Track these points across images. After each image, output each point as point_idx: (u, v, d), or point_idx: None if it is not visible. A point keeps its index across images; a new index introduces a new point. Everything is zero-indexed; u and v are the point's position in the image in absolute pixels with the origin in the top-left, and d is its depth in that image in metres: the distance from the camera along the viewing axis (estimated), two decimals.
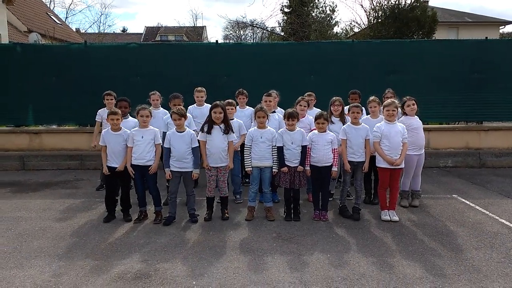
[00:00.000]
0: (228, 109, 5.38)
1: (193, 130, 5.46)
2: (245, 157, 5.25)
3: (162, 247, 4.38)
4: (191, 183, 5.21)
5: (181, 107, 5.24)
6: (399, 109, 5.42)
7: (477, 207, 5.71)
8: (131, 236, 4.71)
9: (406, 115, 5.55)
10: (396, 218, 5.15)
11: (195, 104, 6.40)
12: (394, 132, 5.09)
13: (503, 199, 6.11)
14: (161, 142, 5.17)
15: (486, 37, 8.91)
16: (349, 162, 5.23)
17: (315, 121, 5.19)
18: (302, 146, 5.09)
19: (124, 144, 5.11)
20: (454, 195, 6.32)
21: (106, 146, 5.13)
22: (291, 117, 5.06)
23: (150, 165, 5.09)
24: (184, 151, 5.00)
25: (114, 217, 5.24)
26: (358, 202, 5.35)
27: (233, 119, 5.65)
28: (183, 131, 5.04)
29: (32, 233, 4.83)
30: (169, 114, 5.72)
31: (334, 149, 5.13)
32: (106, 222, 5.13)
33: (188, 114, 5.91)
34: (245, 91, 6.35)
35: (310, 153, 5.12)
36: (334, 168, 5.16)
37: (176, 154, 5.00)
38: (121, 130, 5.14)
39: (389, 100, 5.25)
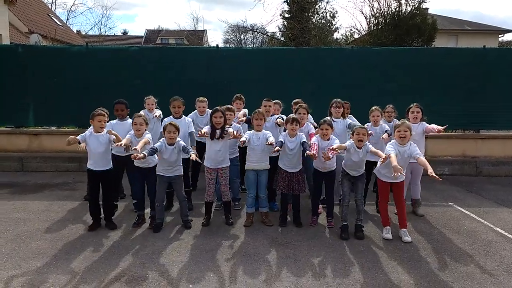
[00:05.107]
0: (227, 114, 5.42)
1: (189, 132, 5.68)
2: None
3: (160, 251, 4.42)
4: (181, 188, 5.17)
5: (175, 123, 5.12)
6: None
7: (473, 215, 5.76)
8: (128, 239, 4.74)
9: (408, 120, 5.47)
10: (408, 238, 4.74)
11: (196, 111, 6.29)
12: (402, 158, 4.73)
13: (498, 208, 6.16)
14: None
15: (484, 46, 9.00)
16: (349, 175, 5.00)
17: (319, 127, 5.16)
18: (303, 144, 4.98)
19: (106, 146, 4.93)
20: (450, 203, 6.36)
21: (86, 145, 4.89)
22: (295, 122, 5.04)
23: (152, 167, 5.07)
24: (174, 160, 5.00)
25: (99, 224, 5.07)
26: (360, 217, 4.97)
27: (232, 124, 5.68)
28: (174, 144, 4.97)
29: (30, 234, 4.86)
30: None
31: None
32: (91, 230, 4.94)
33: (188, 118, 5.99)
34: (242, 97, 6.33)
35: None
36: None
37: (165, 163, 4.98)
38: (102, 131, 4.94)
39: (399, 122, 4.97)
